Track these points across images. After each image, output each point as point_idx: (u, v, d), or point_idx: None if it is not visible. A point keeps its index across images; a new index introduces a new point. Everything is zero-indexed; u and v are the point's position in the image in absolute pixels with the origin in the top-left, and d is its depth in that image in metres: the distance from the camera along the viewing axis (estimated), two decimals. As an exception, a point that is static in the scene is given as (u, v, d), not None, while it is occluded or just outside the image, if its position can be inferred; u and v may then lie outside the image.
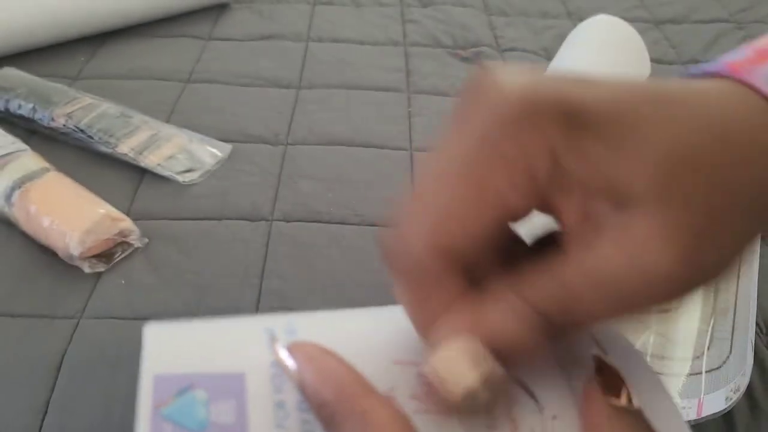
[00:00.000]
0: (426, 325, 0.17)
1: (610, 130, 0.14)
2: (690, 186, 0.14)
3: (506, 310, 0.15)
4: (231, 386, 0.17)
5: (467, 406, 0.16)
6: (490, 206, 0.15)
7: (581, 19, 0.60)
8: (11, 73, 0.55)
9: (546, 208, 0.16)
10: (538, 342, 0.15)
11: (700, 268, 0.14)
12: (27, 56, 0.59)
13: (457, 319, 0.16)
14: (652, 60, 0.57)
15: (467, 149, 0.15)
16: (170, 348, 0.18)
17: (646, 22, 0.71)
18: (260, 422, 0.16)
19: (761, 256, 0.41)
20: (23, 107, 0.51)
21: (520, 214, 0.16)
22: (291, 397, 0.17)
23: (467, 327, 0.16)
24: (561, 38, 0.61)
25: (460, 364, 0.15)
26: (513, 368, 0.16)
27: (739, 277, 0.40)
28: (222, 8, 0.70)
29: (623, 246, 0.14)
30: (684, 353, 0.38)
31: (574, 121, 0.14)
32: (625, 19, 0.57)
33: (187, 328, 0.19)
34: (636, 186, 0.14)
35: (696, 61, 0.68)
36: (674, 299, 0.15)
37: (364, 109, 0.57)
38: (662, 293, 0.14)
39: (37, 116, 0.50)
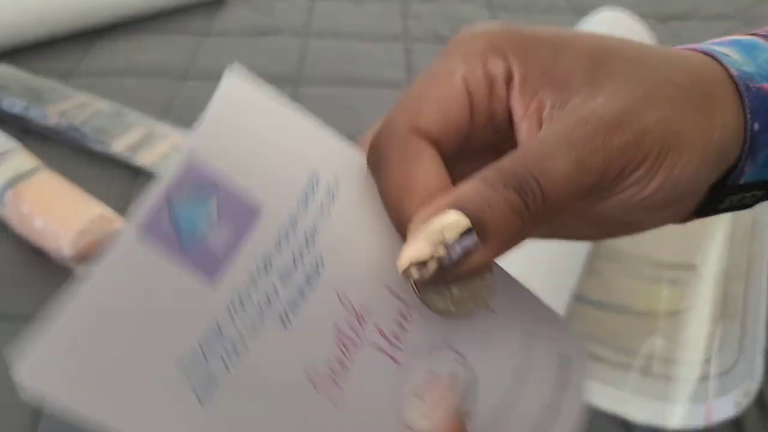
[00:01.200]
0: (400, 196, 0.17)
1: (556, 47, 0.18)
2: (614, 74, 0.18)
3: (477, 179, 0.17)
4: (241, 216, 0.16)
5: (420, 284, 0.17)
6: (460, 101, 0.18)
7: (585, 14, 0.59)
8: (4, 70, 0.54)
9: (501, 114, 0.19)
10: (511, 214, 0.16)
11: (616, 146, 0.17)
12: (20, 53, 0.58)
13: (432, 194, 0.18)
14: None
15: (447, 66, 0.19)
16: (228, 135, 0.16)
17: (651, 17, 0.70)
18: (240, 268, 0.15)
19: (771, 257, 0.40)
20: (16, 105, 0.50)
21: (481, 116, 0.19)
22: (281, 261, 0.16)
23: (442, 201, 0.17)
24: (565, 33, 0.60)
25: (419, 236, 0.16)
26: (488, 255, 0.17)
27: (748, 279, 0.39)
28: (219, 3, 0.69)
29: (561, 124, 0.17)
30: (692, 356, 0.38)
31: (527, 43, 0.18)
32: (631, 14, 0.57)
33: (266, 112, 0.17)
34: (574, 78, 0.18)
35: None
36: (598, 175, 0.17)
37: (365, 105, 0.56)
38: (586, 165, 0.17)
39: (30, 114, 0.50)
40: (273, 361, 0.16)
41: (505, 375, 0.19)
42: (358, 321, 0.17)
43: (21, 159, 0.44)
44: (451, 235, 0.16)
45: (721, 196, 0.20)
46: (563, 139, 0.17)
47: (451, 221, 0.16)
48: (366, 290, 0.17)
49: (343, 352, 0.17)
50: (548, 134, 0.17)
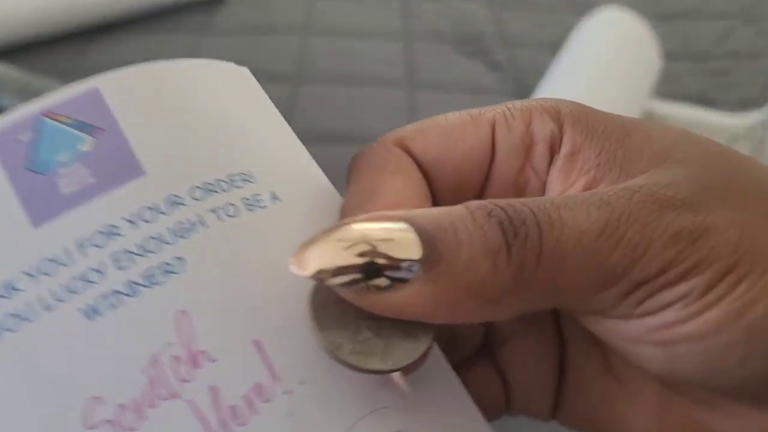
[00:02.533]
0: (358, 204, 0.14)
1: (624, 127, 0.15)
2: (690, 160, 0.14)
3: (461, 206, 0.13)
4: (112, 172, 0.13)
5: (320, 295, 0.12)
6: (474, 142, 0.15)
7: (586, 14, 0.59)
8: (2, 69, 0.53)
9: (534, 180, 0.16)
10: (482, 249, 0.12)
11: (664, 225, 0.13)
12: (18, 52, 0.58)
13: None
14: (661, 55, 0.56)
15: (482, 109, 0.16)
16: (165, 92, 0.15)
17: (652, 16, 0.70)
18: (74, 226, 0.13)
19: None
20: (13, 105, 0.50)
21: (504, 173, 0.15)
22: (127, 240, 0.13)
23: (396, 212, 0.13)
24: (567, 32, 0.60)
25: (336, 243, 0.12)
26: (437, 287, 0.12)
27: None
28: (218, 2, 0.69)
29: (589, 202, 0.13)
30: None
31: (590, 117, 0.15)
32: (633, 13, 0.56)
33: (242, 103, 0.15)
34: (641, 160, 0.14)
35: (707, 56, 0.66)
36: (629, 253, 0.12)
37: (365, 104, 0.56)
38: (616, 234, 0.13)
39: (27, 113, 0.49)
40: (53, 351, 0.12)
41: None
42: (190, 364, 0.12)
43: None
44: (384, 248, 0.11)
45: None
46: (596, 197, 0.12)
47: (394, 233, 0.11)
48: (222, 333, 0.12)
49: (148, 394, 0.12)
50: (579, 193, 0.13)
